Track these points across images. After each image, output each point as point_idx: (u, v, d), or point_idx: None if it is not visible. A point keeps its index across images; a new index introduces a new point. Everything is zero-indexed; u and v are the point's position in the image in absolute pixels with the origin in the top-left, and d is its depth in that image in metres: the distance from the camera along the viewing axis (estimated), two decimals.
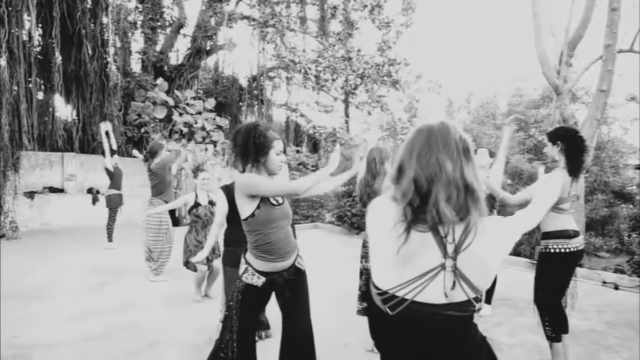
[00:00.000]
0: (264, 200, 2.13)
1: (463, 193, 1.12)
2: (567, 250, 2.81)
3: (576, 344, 3.43)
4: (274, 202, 2.18)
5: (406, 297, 1.09)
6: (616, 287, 5.15)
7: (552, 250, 2.85)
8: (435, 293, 1.09)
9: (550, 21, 8.08)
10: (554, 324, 2.86)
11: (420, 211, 1.11)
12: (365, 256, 3.19)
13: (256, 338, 3.40)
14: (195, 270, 4.50)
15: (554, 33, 8.27)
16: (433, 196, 1.10)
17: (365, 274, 3.19)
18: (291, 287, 2.28)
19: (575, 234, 2.84)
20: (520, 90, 15.75)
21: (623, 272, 5.58)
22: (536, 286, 2.96)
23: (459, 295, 1.11)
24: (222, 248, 3.41)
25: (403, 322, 1.13)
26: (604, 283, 5.29)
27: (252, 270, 2.20)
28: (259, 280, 2.19)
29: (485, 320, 3.98)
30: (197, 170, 4.64)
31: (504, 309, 4.25)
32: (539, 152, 12.76)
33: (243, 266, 2.25)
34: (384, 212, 1.18)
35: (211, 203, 4.59)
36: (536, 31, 7.26)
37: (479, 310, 1.19)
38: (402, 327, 1.15)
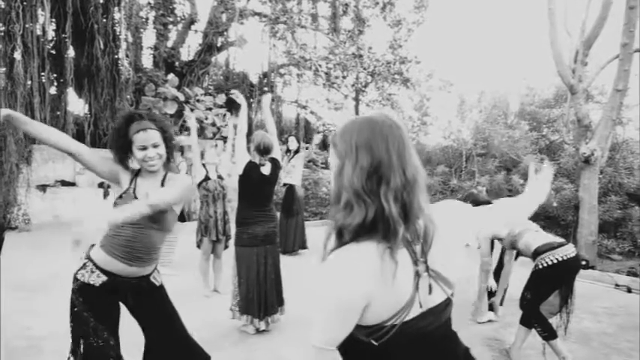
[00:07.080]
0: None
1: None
2: (555, 261, 2.89)
3: (588, 347, 3.39)
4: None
5: (395, 323, 0.91)
6: (629, 290, 5.07)
7: (541, 266, 2.95)
8: (417, 306, 0.93)
9: (565, 19, 7.94)
10: (543, 324, 2.96)
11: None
12: None
13: (264, 325, 3.39)
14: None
15: (570, 31, 8.13)
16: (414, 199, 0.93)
17: None
18: (146, 302, 2.13)
19: (560, 245, 2.95)
20: (532, 89, 15.56)
21: (636, 275, 5.49)
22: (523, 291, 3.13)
23: (438, 297, 0.98)
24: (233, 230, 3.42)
25: (390, 348, 0.93)
26: (617, 285, 5.21)
27: (93, 266, 1.93)
28: (98, 279, 1.92)
29: (497, 321, 3.98)
30: (203, 153, 4.79)
31: (514, 309, 4.20)
32: (552, 152, 12.63)
33: (81, 261, 1.97)
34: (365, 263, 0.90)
35: (220, 177, 4.68)
36: (552, 29, 7.15)
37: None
38: (389, 353, 0.94)
